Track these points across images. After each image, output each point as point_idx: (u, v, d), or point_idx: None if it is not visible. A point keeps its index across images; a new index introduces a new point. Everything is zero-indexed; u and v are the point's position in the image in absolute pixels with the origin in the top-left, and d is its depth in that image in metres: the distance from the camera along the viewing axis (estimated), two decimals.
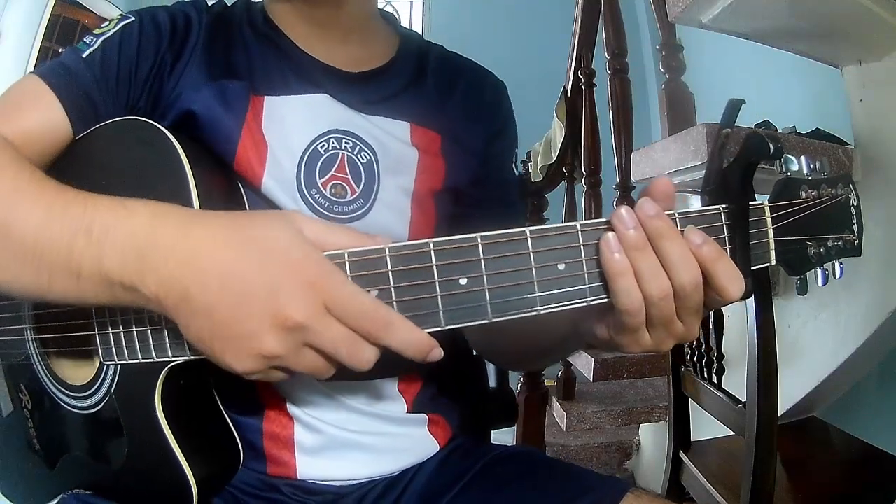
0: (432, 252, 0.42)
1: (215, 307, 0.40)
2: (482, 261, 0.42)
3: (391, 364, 0.42)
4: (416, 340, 0.41)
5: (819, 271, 0.48)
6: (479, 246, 0.42)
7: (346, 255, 0.42)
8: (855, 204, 0.49)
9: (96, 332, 0.52)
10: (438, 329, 0.42)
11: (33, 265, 0.43)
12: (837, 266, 0.49)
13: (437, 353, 0.42)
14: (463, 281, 0.42)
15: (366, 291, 0.41)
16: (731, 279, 0.43)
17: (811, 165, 0.48)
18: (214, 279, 0.40)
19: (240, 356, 0.41)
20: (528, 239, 0.42)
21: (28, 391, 0.62)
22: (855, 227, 0.49)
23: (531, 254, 0.42)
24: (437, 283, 0.42)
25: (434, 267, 0.42)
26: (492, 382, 0.95)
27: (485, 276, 0.42)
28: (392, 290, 0.42)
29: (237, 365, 0.42)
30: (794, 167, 0.47)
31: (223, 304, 0.40)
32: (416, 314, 0.42)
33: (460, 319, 0.42)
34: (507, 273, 0.42)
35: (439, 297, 0.42)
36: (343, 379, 0.61)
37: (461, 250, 0.42)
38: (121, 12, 0.62)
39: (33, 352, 0.60)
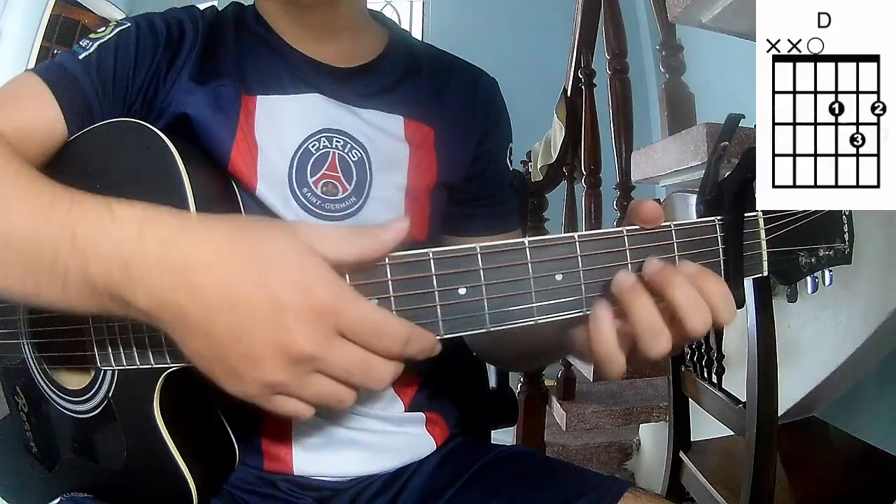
0: (432, 261, 0.42)
1: (213, 326, 0.37)
2: (481, 270, 0.42)
3: None
4: (428, 344, 0.41)
5: (809, 280, 0.49)
6: (479, 256, 0.42)
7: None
8: (847, 213, 0.50)
9: (93, 337, 0.51)
10: (437, 337, 0.43)
11: (18, 267, 0.40)
12: (827, 274, 0.50)
13: (438, 347, 0.42)
14: (462, 290, 0.42)
15: (377, 307, 0.40)
16: (726, 305, 0.43)
17: None
18: (212, 295, 0.37)
19: (239, 381, 0.39)
20: (527, 249, 0.43)
21: (24, 394, 0.61)
22: (846, 236, 0.50)
23: (529, 264, 0.43)
24: (436, 293, 0.42)
25: (433, 276, 0.42)
26: (492, 383, 0.96)
27: (483, 286, 0.42)
28: (391, 299, 0.41)
29: (236, 390, 0.39)
30: None
31: (221, 325, 0.37)
32: (415, 323, 0.42)
33: (459, 328, 0.42)
34: (506, 283, 0.42)
35: (438, 307, 0.42)
36: None
37: (460, 260, 0.42)
38: (117, 19, 0.63)
39: (29, 355, 0.59)
